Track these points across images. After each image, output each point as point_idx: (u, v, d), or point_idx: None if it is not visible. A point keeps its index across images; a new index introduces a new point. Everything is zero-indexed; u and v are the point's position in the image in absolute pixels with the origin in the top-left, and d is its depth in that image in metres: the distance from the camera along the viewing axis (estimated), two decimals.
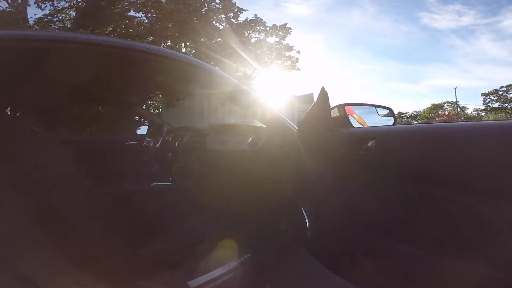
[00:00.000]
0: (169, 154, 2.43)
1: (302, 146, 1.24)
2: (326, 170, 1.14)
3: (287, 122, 1.40)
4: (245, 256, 1.41)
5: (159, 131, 2.56)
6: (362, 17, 39.12)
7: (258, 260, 1.39)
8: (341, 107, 1.17)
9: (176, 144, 2.41)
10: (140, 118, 3.11)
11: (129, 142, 2.81)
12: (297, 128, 1.33)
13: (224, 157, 1.73)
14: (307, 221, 1.28)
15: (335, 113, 1.18)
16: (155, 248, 1.40)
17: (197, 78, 1.39)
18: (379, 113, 1.31)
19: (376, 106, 1.30)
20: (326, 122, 1.13)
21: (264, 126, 1.54)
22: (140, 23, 9.47)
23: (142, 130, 3.39)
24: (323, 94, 1.12)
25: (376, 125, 1.42)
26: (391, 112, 1.33)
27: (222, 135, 1.80)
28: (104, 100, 2.76)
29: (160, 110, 10.41)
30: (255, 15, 11.61)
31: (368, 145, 0.97)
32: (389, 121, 1.43)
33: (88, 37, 2.01)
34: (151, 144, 2.64)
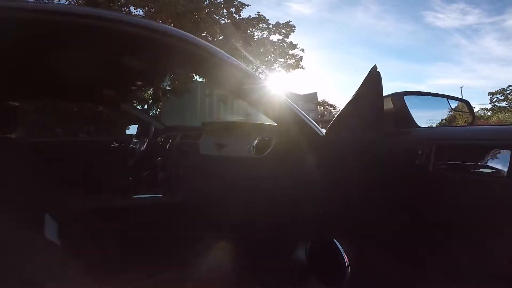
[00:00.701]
0: (158, 159, 2.03)
1: (335, 156, 0.83)
2: (380, 194, 0.73)
3: (309, 120, 0.99)
4: None
5: (146, 131, 2.15)
6: (365, 16, 38.78)
7: None
8: (398, 97, 0.77)
9: (167, 146, 2.02)
10: (127, 114, 2.69)
11: (115, 144, 2.41)
12: (324, 129, 0.93)
13: (221, 166, 1.32)
14: (345, 258, 0.89)
15: (387, 105, 0.77)
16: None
17: (206, 65, 0.98)
18: (452, 107, 0.90)
19: (448, 97, 0.89)
20: (379, 120, 0.72)
21: (274, 124, 1.13)
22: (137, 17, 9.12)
23: (132, 130, 3.01)
24: (374, 77, 0.70)
25: (434, 124, 1.01)
26: (467, 107, 0.92)
27: (218, 136, 1.39)
28: (87, 93, 2.33)
29: (160, 109, 10.02)
30: (258, 12, 11.25)
31: (489, 159, 0.55)
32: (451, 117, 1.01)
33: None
34: (138, 146, 2.23)
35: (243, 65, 0.90)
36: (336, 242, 0.91)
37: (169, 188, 1.64)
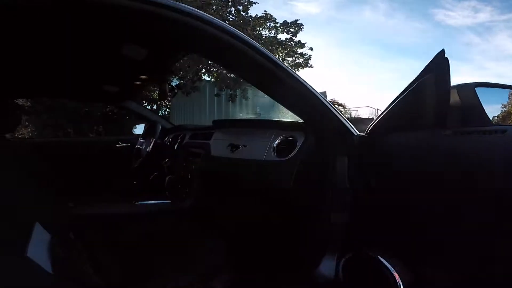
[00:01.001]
0: (165, 160, 1.90)
1: (383, 160, 0.67)
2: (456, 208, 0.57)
3: (343, 118, 0.84)
4: None
5: (152, 131, 2.02)
6: (373, 14, 38.17)
7: None
8: (468, 89, 0.60)
9: (176, 147, 1.89)
10: (130, 112, 2.56)
11: (120, 144, 2.30)
12: (366, 129, 0.77)
13: (235, 170, 1.17)
14: (397, 278, 0.73)
15: (453, 98, 0.61)
16: None
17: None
18: None
19: None
20: (443, 116, 0.56)
21: (298, 121, 0.98)
22: None
23: (139, 129, 2.89)
24: (441, 65, 0.55)
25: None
26: None
27: (232, 136, 1.24)
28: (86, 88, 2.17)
29: (169, 109, 9.92)
30: (265, 11, 11.13)
31: None
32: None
33: None
34: (144, 146, 2.11)
35: (267, 51, 0.75)
36: (382, 259, 0.76)
37: (177, 193, 1.50)
